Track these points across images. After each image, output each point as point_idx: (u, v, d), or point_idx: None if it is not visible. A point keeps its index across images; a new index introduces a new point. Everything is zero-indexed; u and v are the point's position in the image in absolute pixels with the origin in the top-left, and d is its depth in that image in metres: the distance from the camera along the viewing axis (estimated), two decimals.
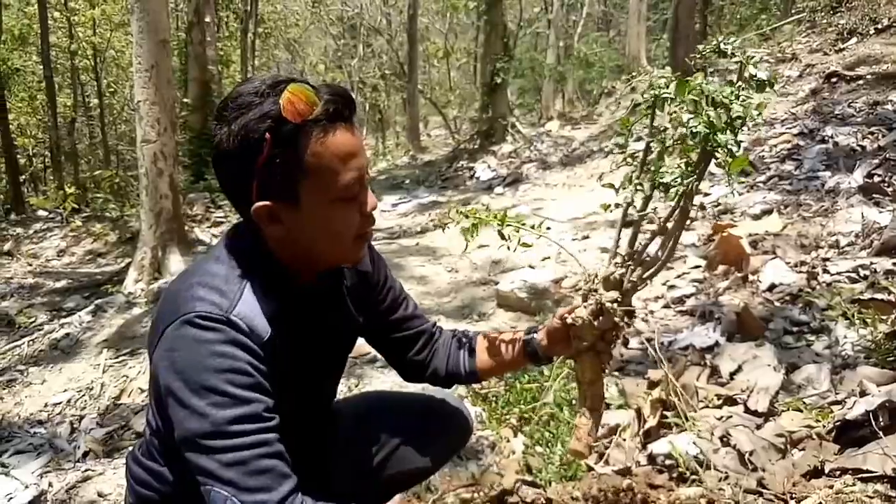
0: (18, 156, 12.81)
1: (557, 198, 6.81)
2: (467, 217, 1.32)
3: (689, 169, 1.07)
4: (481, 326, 3.68)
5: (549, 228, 1.34)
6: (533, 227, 1.30)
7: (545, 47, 15.13)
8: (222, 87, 10.94)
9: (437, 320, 3.96)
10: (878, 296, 2.75)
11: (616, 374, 2.66)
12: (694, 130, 1.03)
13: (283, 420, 0.97)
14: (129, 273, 5.11)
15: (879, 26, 8.18)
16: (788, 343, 2.68)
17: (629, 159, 1.16)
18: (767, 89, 1.07)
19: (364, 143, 1.04)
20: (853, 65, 7.20)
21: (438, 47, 17.85)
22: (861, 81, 6.65)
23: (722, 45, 1.10)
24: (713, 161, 1.07)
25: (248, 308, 0.98)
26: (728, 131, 1.03)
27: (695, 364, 2.43)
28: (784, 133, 5.97)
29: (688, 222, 1.14)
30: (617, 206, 1.16)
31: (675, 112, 1.09)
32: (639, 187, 1.13)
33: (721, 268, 3.56)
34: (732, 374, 2.37)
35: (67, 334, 4.21)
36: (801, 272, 3.28)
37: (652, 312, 3.41)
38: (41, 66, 12.12)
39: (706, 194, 4.95)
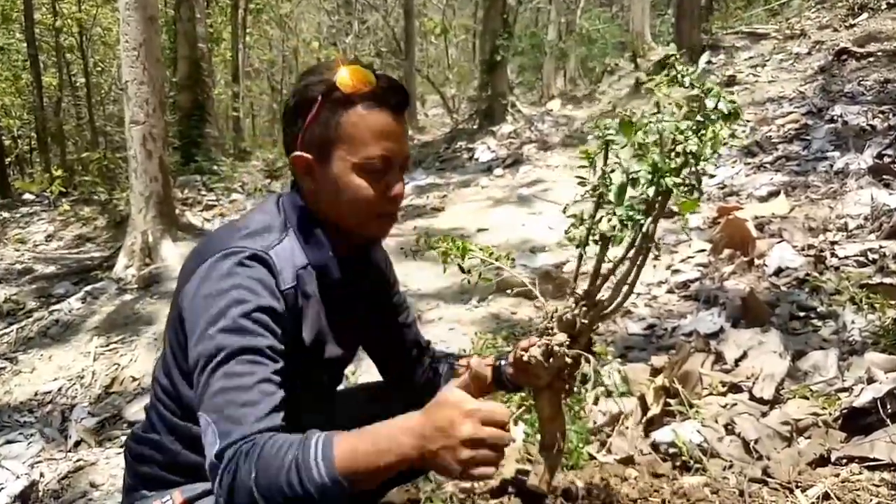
0: (3, 137, 12.73)
1: (558, 179, 6.79)
2: (433, 248, 1.32)
3: (641, 211, 1.03)
4: (480, 312, 3.69)
5: (513, 259, 1.34)
6: (498, 258, 1.30)
7: (546, 23, 15.00)
8: (212, 65, 10.85)
9: (437, 305, 3.99)
10: (888, 280, 2.75)
11: (619, 360, 2.66)
12: (633, 177, 1.00)
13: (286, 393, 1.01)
14: (119, 258, 5.10)
15: (892, 1, 8.11)
16: (795, 329, 2.68)
17: (589, 193, 1.12)
18: (732, 121, 1.01)
19: (406, 137, 1.15)
20: (864, 41, 7.15)
21: (436, 23, 17.67)
22: (872, 58, 6.60)
23: (678, 67, 1.03)
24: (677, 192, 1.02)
25: (284, 254, 1.10)
26: (680, 172, 0.99)
27: (699, 350, 2.43)
28: (792, 112, 5.94)
29: (649, 260, 1.11)
30: (578, 244, 1.12)
31: (618, 159, 1.05)
32: (592, 232, 1.09)
33: (726, 251, 3.56)
34: (737, 361, 2.37)
35: (57, 321, 4.21)
36: (808, 256, 3.28)
37: (655, 297, 3.42)
38: (25, 45, 12.00)
39: (711, 176, 4.94)
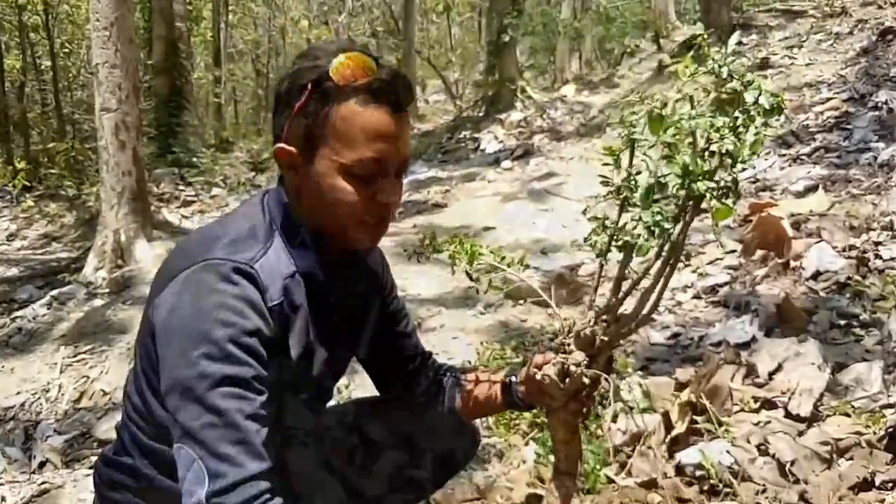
0: None
1: (573, 173, 6.78)
2: (438, 251, 1.31)
3: (669, 217, 1.02)
4: (486, 319, 3.69)
5: (527, 266, 1.33)
6: (510, 264, 1.29)
7: (559, 0, 14.99)
8: (191, 46, 10.87)
9: (439, 311, 3.99)
10: None
11: (640, 373, 2.66)
12: (662, 181, 0.99)
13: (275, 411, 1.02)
14: (88, 260, 5.11)
15: None
16: (835, 338, 2.68)
17: (612, 194, 1.11)
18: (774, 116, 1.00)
19: (406, 138, 1.12)
20: None
21: (438, 0, 17.68)
22: None
23: (706, 49, 1.02)
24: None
25: (270, 264, 1.08)
26: (713, 174, 0.98)
27: (729, 362, 2.43)
28: (831, 98, 5.93)
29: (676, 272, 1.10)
30: (599, 252, 1.12)
31: (645, 157, 1.04)
32: (615, 238, 1.09)
33: (759, 253, 3.56)
34: (771, 374, 2.37)
35: (20, 329, 4.22)
36: (849, 258, 3.27)
37: (680, 303, 3.41)
38: None
39: (743, 168, 4.94)
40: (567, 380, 1.14)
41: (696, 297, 3.42)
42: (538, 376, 1.17)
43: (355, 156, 1.06)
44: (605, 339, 1.12)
